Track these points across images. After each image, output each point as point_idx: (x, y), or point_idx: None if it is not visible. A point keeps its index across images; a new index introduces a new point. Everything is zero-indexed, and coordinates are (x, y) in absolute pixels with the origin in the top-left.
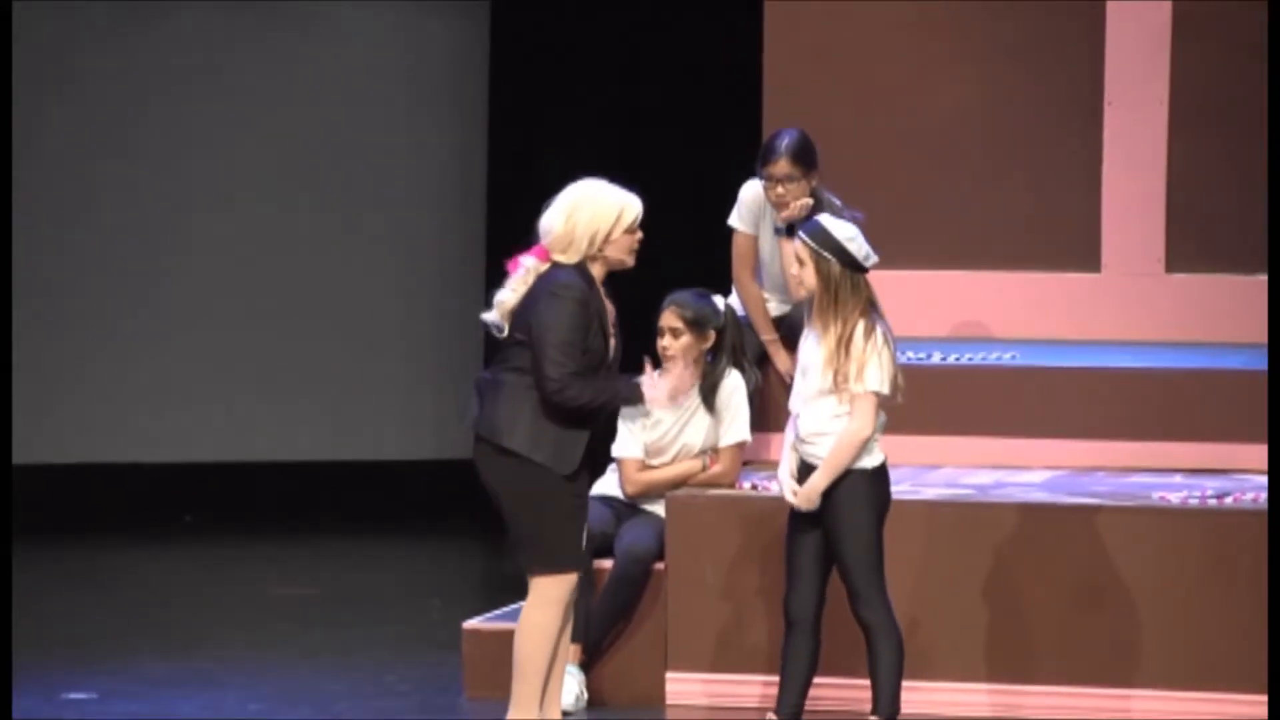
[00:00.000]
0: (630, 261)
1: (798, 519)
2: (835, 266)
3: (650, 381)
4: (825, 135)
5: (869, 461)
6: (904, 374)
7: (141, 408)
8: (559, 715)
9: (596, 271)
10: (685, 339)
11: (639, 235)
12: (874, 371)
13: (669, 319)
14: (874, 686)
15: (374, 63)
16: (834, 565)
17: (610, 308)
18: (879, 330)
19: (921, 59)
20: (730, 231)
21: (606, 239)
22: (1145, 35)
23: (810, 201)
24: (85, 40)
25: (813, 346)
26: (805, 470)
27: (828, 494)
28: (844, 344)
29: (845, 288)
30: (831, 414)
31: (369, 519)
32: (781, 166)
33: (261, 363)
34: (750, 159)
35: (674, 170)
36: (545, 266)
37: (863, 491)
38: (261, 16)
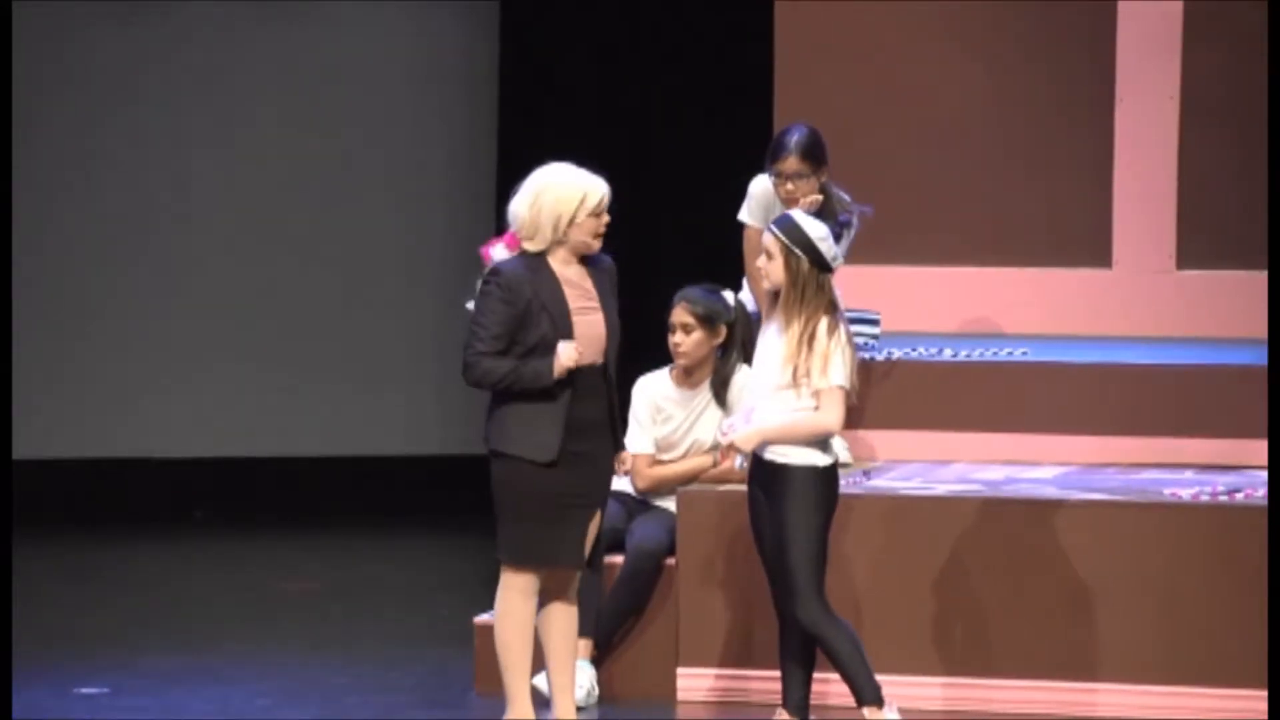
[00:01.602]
0: (595, 245)
1: (756, 514)
2: (805, 264)
3: (565, 347)
4: (836, 131)
5: (823, 459)
6: (912, 370)
7: (149, 404)
8: (573, 710)
9: (560, 255)
10: (697, 335)
11: (605, 219)
12: (838, 366)
13: (680, 315)
14: (847, 681)
15: (384, 57)
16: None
17: (589, 286)
18: (841, 328)
19: (933, 55)
20: (741, 226)
21: (570, 223)
22: (1156, 31)
23: (820, 198)
24: (93, 30)
25: (773, 340)
26: (760, 466)
27: (776, 490)
28: (806, 340)
29: (812, 285)
30: (790, 409)
31: (377, 515)
32: (791, 163)
33: (269, 359)
34: (760, 154)
35: (683, 164)
36: (514, 254)
37: (814, 492)
38: (271, 10)
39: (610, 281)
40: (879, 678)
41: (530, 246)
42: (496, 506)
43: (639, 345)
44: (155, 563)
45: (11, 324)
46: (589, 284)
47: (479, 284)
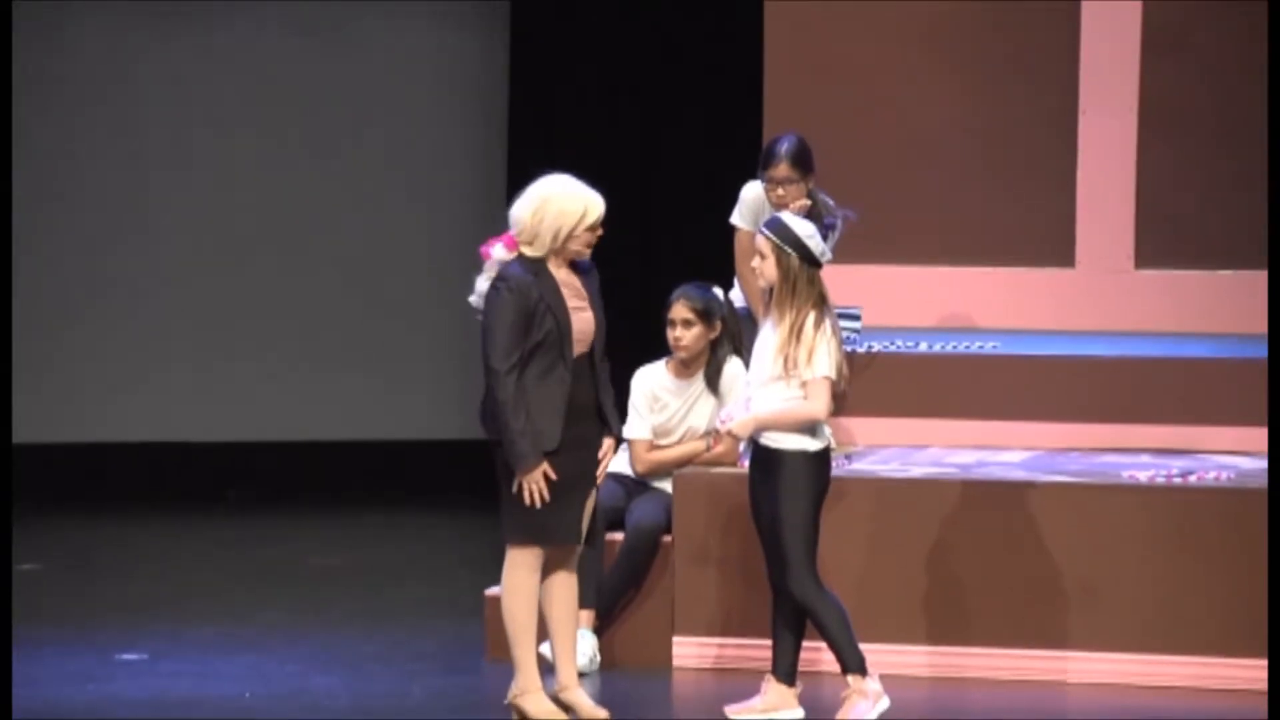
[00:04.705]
0: (586, 254)
1: (754, 495)
2: (795, 260)
3: (539, 473)
4: (822, 140)
5: (813, 444)
6: (890, 361)
7: (189, 392)
8: (575, 676)
9: (554, 261)
10: (696, 329)
11: (599, 232)
12: (823, 357)
13: (680, 311)
14: (833, 650)
15: (404, 68)
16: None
17: (578, 284)
18: (828, 321)
19: (912, 71)
20: (733, 229)
21: (570, 236)
22: (1117, 48)
23: (808, 202)
24: (125, 46)
25: (768, 333)
26: (757, 451)
27: (771, 473)
28: (795, 332)
29: (802, 280)
30: (783, 398)
31: (398, 495)
32: (782, 170)
33: (298, 352)
34: (751, 161)
35: (679, 171)
36: (514, 256)
37: (805, 474)
38: (295, 25)
39: (595, 283)
40: (866, 646)
41: (529, 251)
42: (502, 491)
43: (638, 335)
44: (194, 540)
45: (11, 319)
46: (577, 283)
47: (479, 281)
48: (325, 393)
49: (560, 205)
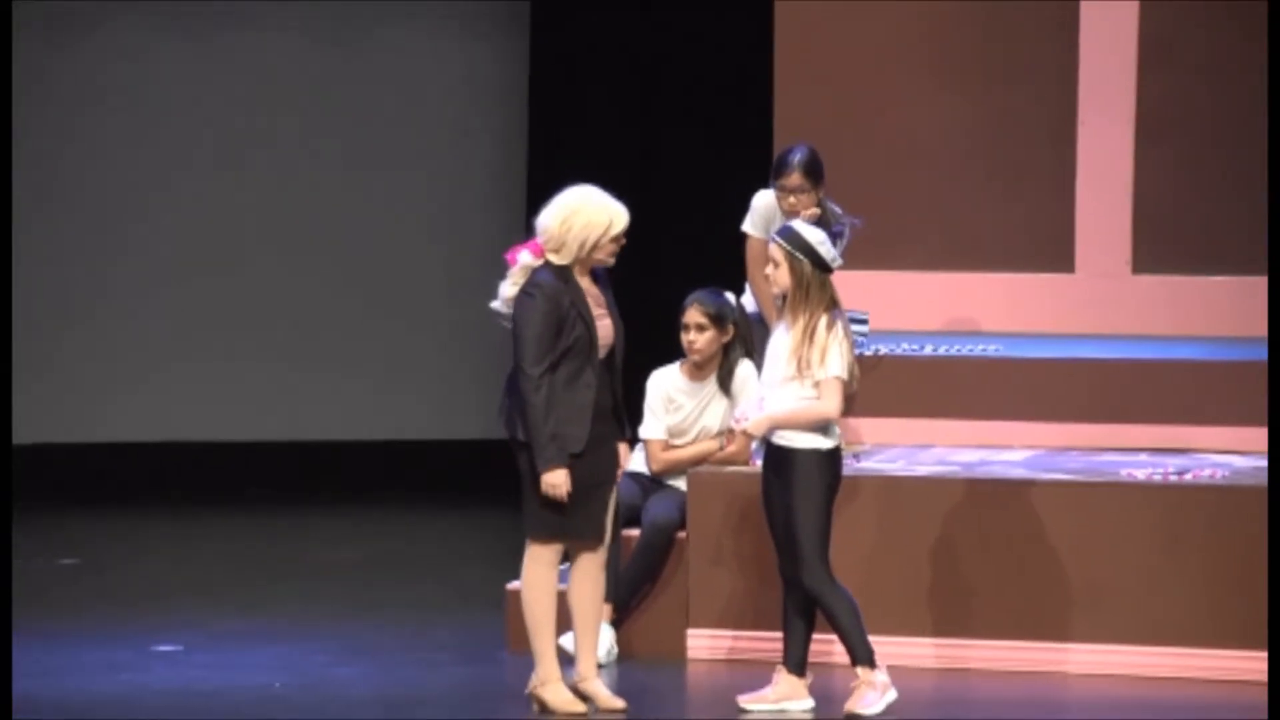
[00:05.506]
0: (610, 263)
1: (767, 492)
2: (807, 266)
3: (563, 475)
4: (831, 150)
5: (825, 443)
6: (897, 363)
7: (210, 394)
8: (594, 668)
9: (578, 269)
10: (709, 333)
11: (623, 242)
12: (836, 358)
13: (694, 316)
14: (844, 642)
15: (411, 70)
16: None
17: (597, 292)
18: (839, 324)
19: (918, 84)
20: (744, 236)
21: (595, 245)
22: (1114, 62)
23: (818, 211)
24: (126, 47)
25: (781, 336)
26: (771, 449)
27: (785, 471)
28: (809, 334)
29: (814, 285)
30: (796, 397)
31: (399, 495)
32: (794, 179)
33: (317, 354)
34: (761, 170)
35: (688, 180)
36: (539, 262)
37: (817, 472)
38: (298, 27)
39: (609, 290)
40: (873, 638)
41: (555, 259)
42: (525, 490)
43: (651, 339)
44: (194, 538)
45: (11, 319)
46: (597, 291)
47: (502, 286)
48: (325, 393)
49: (588, 216)
